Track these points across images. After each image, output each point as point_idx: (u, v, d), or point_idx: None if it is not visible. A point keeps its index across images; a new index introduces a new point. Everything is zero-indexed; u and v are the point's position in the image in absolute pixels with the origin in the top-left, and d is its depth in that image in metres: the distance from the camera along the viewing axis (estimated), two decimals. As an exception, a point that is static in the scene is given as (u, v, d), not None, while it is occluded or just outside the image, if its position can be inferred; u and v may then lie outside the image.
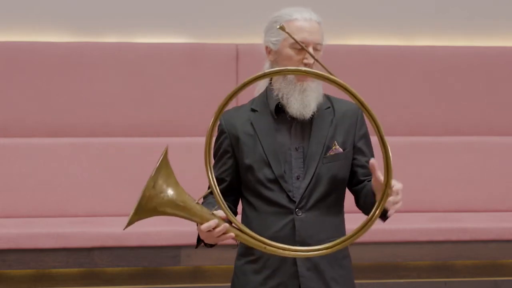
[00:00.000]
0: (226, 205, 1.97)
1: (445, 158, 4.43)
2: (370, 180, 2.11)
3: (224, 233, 1.98)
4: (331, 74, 1.90)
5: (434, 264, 4.02)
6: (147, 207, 1.93)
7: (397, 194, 1.93)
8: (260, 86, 2.25)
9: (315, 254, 1.97)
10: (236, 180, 2.20)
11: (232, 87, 4.38)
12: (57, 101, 4.32)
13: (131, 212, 1.93)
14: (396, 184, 1.93)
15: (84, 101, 4.34)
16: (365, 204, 2.12)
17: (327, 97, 2.22)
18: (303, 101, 2.12)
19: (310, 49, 2.10)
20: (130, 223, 1.94)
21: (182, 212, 1.97)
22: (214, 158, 2.22)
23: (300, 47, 2.09)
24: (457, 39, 4.68)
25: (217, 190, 1.96)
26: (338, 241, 1.96)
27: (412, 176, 4.34)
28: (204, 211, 1.98)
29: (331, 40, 4.50)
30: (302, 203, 2.12)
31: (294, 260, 2.11)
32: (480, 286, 3.99)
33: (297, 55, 2.13)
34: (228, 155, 2.19)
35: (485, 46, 4.64)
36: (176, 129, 4.37)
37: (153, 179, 1.92)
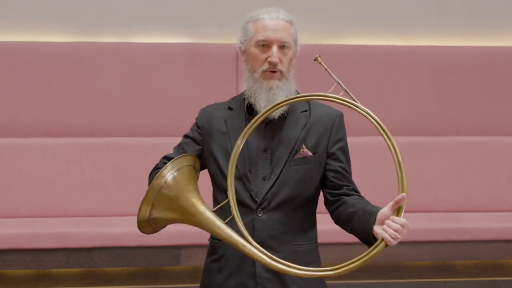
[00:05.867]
0: (239, 216, 1.99)
1: (445, 158, 4.43)
2: (360, 199, 2.08)
3: None
4: (355, 100, 1.94)
5: (434, 264, 4.02)
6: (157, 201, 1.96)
7: (402, 229, 1.88)
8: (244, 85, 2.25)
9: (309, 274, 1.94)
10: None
11: (232, 87, 4.44)
12: (57, 101, 4.32)
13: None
14: (401, 220, 1.88)
15: (84, 101, 4.34)
16: (353, 227, 2.03)
17: (307, 101, 2.19)
18: (269, 99, 2.11)
19: (274, 48, 2.11)
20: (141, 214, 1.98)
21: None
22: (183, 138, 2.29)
23: (265, 46, 2.12)
24: (457, 39, 4.67)
25: (234, 201, 1.99)
26: (342, 265, 1.90)
27: (412, 176, 4.32)
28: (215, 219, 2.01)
29: (331, 40, 4.51)
30: (264, 204, 2.10)
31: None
32: (480, 286, 3.99)
33: (262, 54, 2.14)
34: (194, 143, 2.24)
35: (485, 46, 4.64)
36: (176, 129, 4.36)
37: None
